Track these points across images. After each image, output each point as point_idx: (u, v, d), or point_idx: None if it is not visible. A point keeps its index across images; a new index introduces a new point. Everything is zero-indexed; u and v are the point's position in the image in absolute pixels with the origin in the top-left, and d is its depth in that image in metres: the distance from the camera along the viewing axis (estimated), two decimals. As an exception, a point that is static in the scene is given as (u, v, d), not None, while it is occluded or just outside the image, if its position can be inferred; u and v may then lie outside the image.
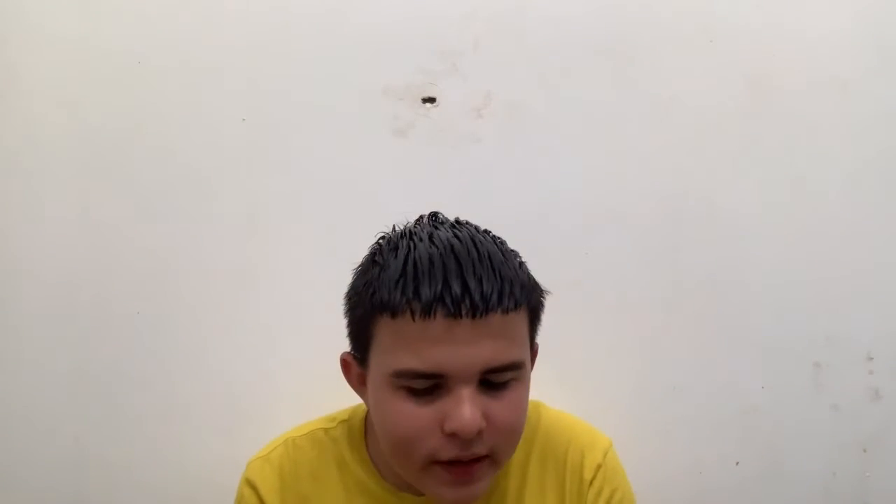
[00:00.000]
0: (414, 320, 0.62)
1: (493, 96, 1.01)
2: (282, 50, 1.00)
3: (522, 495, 0.77)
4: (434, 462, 0.65)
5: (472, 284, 0.62)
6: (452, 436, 0.63)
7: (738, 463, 1.02)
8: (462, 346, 0.62)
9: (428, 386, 0.64)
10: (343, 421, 0.80)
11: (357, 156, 1.00)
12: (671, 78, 1.02)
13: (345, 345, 0.75)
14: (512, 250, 0.71)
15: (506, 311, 0.63)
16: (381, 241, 0.72)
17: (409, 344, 0.63)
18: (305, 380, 0.96)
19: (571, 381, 0.99)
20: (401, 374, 0.64)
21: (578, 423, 0.83)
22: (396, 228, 0.72)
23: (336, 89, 1.00)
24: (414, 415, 0.64)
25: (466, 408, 0.62)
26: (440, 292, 0.62)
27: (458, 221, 0.72)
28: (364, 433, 0.78)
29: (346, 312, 0.72)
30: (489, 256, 0.65)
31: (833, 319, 1.02)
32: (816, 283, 1.02)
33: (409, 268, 0.64)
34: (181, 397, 0.98)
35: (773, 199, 1.02)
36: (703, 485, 1.02)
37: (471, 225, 0.71)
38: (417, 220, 0.73)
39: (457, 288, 0.62)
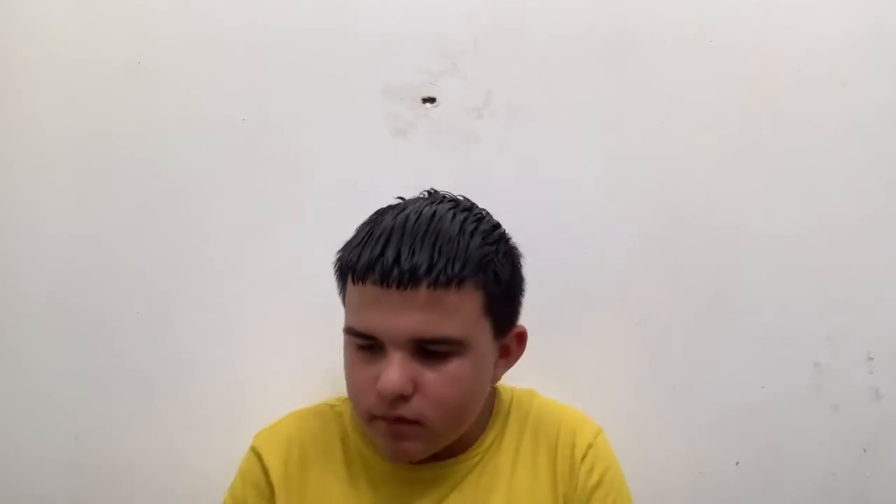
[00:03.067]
0: (354, 284, 0.68)
1: (493, 96, 1.01)
2: (282, 50, 1.00)
3: (515, 471, 0.79)
4: (375, 416, 0.69)
5: (404, 256, 0.65)
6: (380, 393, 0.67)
7: (738, 463, 1.02)
8: (390, 314, 0.66)
9: (369, 345, 0.68)
10: (346, 399, 0.83)
11: (357, 156, 1.00)
12: (671, 78, 1.02)
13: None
14: (492, 231, 0.73)
15: (435, 286, 0.65)
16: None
17: (352, 305, 0.70)
18: (305, 380, 0.96)
19: (571, 381, 0.99)
20: (347, 331, 0.70)
21: (570, 408, 0.86)
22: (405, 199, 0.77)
23: (336, 89, 1.00)
24: (360, 370, 0.69)
25: (391, 371, 0.66)
26: (373, 261, 0.66)
27: (444, 199, 0.75)
28: None
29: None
30: (438, 232, 0.67)
31: (833, 319, 1.02)
32: (816, 283, 1.02)
33: (363, 237, 0.69)
34: (181, 397, 0.98)
35: (773, 199, 1.02)
36: (703, 485, 1.01)
37: (455, 203, 0.75)
38: (420, 194, 0.78)
39: (389, 258, 0.66)
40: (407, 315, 0.66)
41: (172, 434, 0.98)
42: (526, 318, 0.79)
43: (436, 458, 0.76)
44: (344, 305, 0.74)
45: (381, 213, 0.73)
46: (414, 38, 1.00)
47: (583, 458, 0.79)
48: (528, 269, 0.79)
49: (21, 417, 0.98)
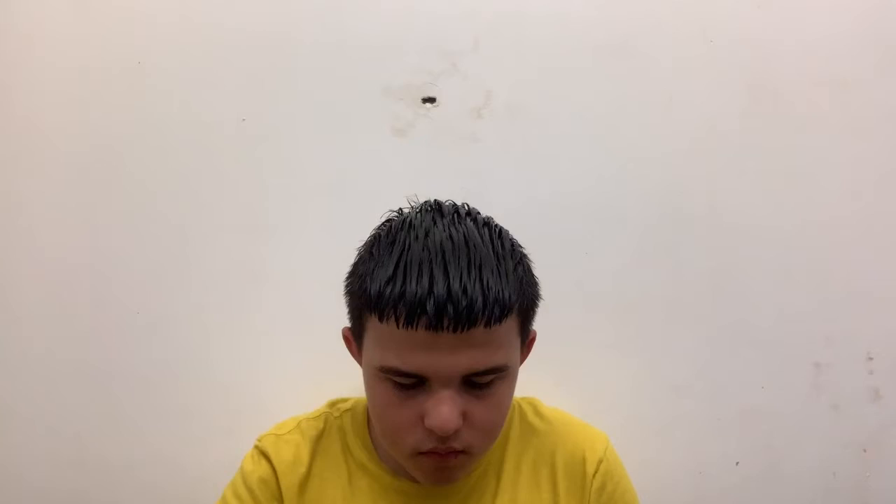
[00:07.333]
0: (398, 327, 0.63)
1: (493, 96, 1.01)
2: (282, 50, 1.00)
3: (518, 485, 0.78)
4: (418, 453, 0.68)
5: (457, 298, 0.62)
6: (431, 430, 0.65)
7: (738, 463, 1.02)
8: (444, 355, 0.63)
9: (411, 382, 0.66)
10: (346, 410, 0.83)
11: (357, 156, 1.00)
12: (671, 78, 1.02)
13: (342, 347, 0.75)
14: (513, 245, 0.71)
15: (489, 325, 0.63)
16: (384, 226, 0.72)
17: (394, 346, 0.65)
18: (305, 380, 0.96)
19: (571, 381, 0.99)
20: (386, 371, 0.66)
21: (575, 421, 0.84)
22: (403, 212, 0.73)
23: (336, 89, 1.00)
24: (399, 409, 0.67)
25: (445, 408, 0.64)
26: (424, 305, 0.62)
27: (458, 213, 0.70)
28: (367, 422, 0.81)
29: (345, 292, 0.72)
30: (480, 265, 0.64)
31: (833, 319, 1.02)
32: (816, 283, 1.02)
33: (399, 272, 0.64)
34: (181, 397, 0.98)
35: (773, 199, 1.02)
36: (703, 485, 1.02)
37: (472, 217, 0.70)
38: (422, 206, 0.72)
39: (441, 301, 0.62)
40: (462, 354, 0.64)
41: (172, 434, 0.98)
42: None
43: None
44: (361, 336, 0.70)
45: (397, 235, 0.67)
46: (414, 38, 1.00)
47: (594, 475, 0.79)
48: (529, 262, 0.79)
49: (21, 416, 0.98)
